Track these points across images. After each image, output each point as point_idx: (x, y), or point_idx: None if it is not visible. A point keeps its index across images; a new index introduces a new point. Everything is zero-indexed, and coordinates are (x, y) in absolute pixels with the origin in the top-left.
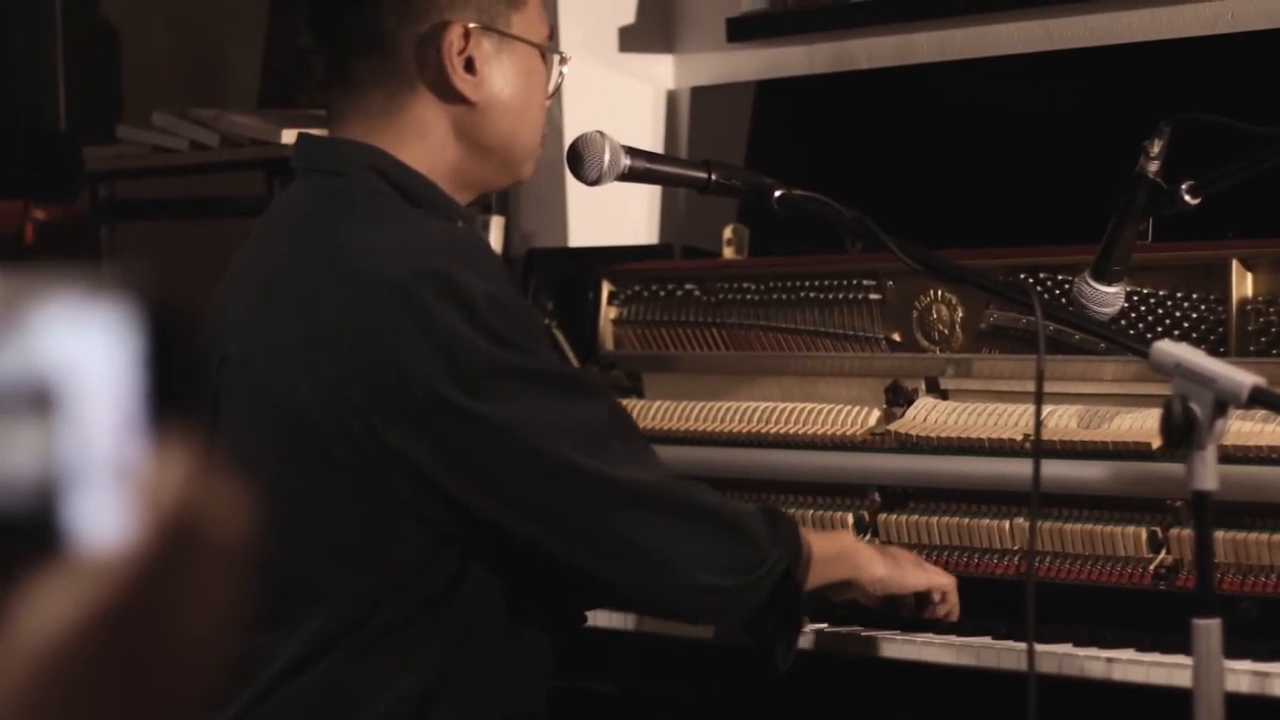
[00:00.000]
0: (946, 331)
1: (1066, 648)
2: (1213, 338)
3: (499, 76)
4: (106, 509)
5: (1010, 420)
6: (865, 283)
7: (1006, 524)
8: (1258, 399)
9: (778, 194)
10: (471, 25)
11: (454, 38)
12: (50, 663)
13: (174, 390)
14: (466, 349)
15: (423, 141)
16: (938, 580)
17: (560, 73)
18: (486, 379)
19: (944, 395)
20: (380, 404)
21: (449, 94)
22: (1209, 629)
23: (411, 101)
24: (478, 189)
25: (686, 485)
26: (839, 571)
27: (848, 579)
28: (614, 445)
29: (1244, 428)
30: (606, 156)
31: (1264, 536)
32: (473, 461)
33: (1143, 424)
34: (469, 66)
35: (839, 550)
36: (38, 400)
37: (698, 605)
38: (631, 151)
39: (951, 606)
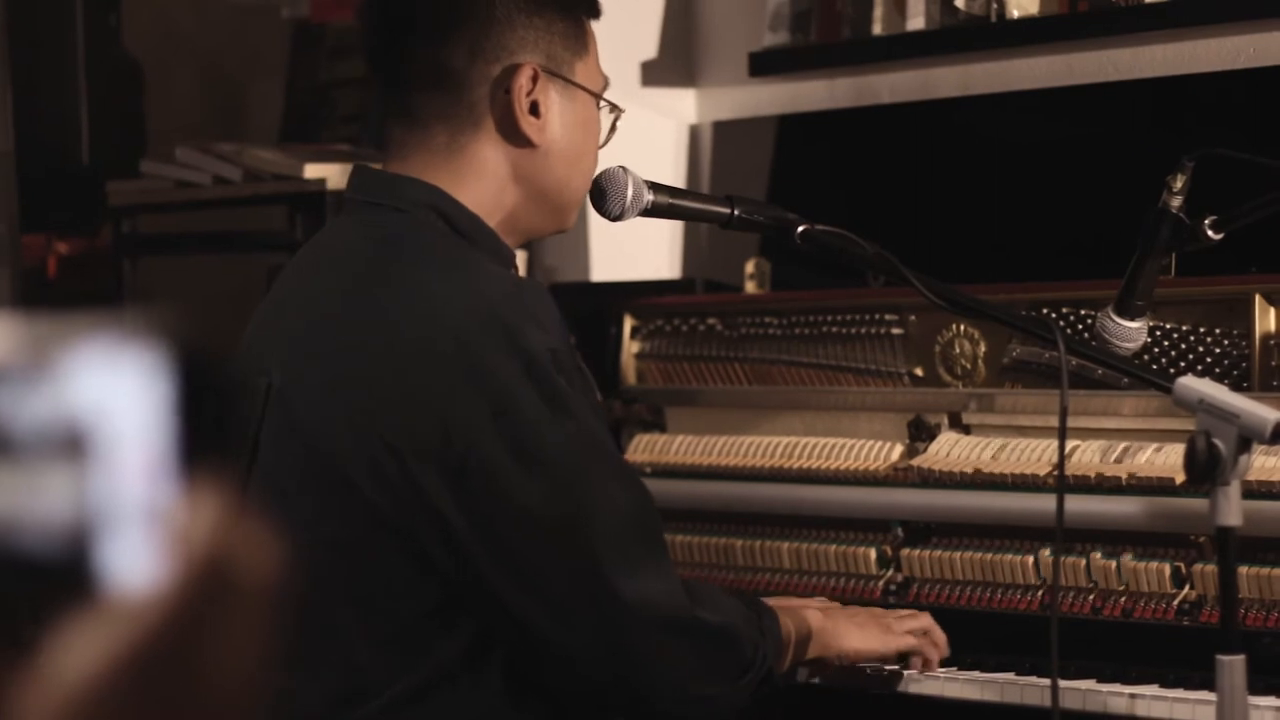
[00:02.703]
0: (969, 366)
1: (1090, 684)
2: (1236, 373)
3: (560, 122)
4: (138, 552)
5: (1033, 455)
6: (888, 317)
7: (1030, 559)
8: None
9: (800, 229)
10: (540, 69)
11: (524, 79)
12: (83, 705)
13: (205, 432)
14: (518, 407)
15: (481, 182)
16: (903, 643)
17: (613, 123)
18: (530, 444)
19: (967, 430)
20: (417, 447)
21: (514, 135)
22: (1233, 665)
23: (475, 141)
24: (525, 235)
25: (686, 597)
26: (813, 651)
27: (819, 656)
28: (633, 546)
29: (1267, 463)
30: (629, 192)
31: None
32: (494, 529)
33: (1166, 459)
34: (534, 109)
35: (811, 630)
36: (70, 444)
37: (687, 712)
38: (654, 187)
39: (931, 657)
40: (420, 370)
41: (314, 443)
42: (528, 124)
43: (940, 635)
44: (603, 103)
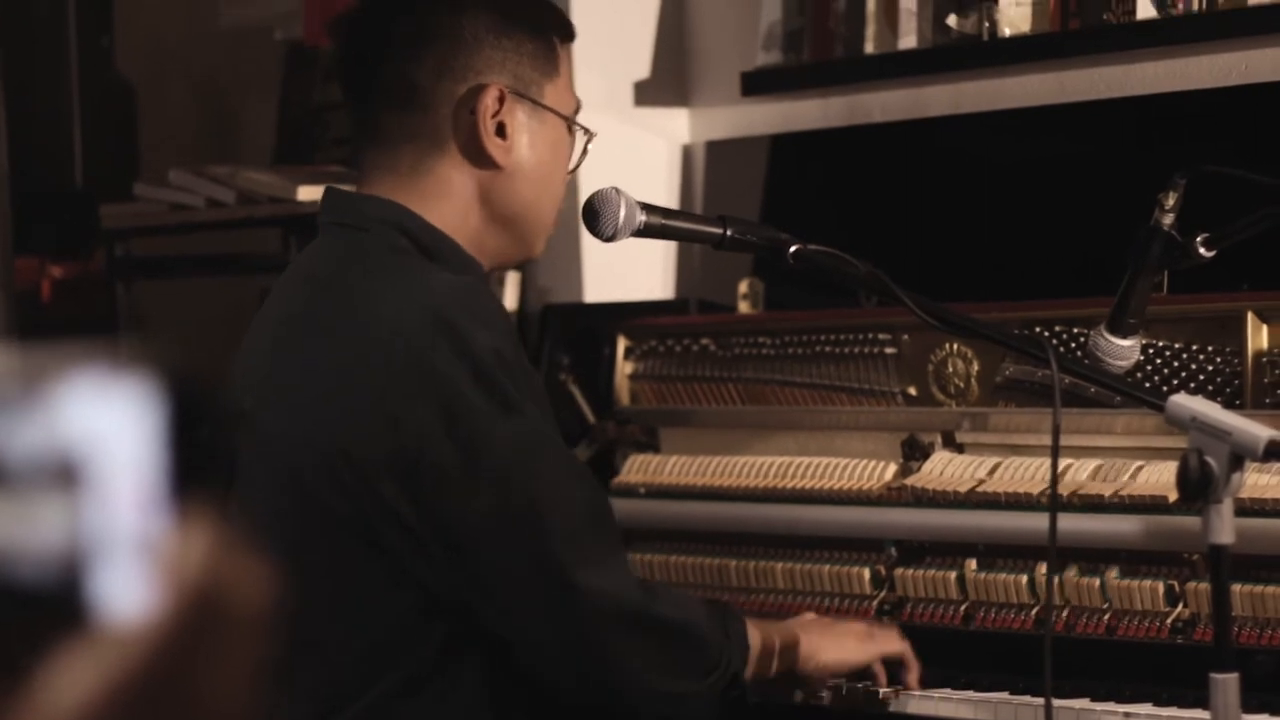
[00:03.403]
0: (962, 385)
1: (1084, 703)
2: (1228, 390)
3: (527, 144)
4: (131, 581)
5: (1026, 474)
6: (881, 337)
7: (1023, 578)
8: (1274, 452)
9: (793, 249)
10: (507, 90)
11: (490, 100)
12: None
13: (197, 461)
14: (466, 408)
15: (446, 203)
16: (885, 650)
17: (585, 148)
18: (481, 444)
19: (960, 449)
20: (371, 454)
21: (478, 156)
22: (1227, 683)
23: (439, 161)
24: (493, 259)
25: (646, 591)
26: (786, 663)
27: (794, 669)
28: (589, 541)
29: (1260, 480)
30: (622, 212)
31: None
32: (450, 531)
33: (1159, 477)
34: (500, 131)
35: (784, 643)
36: (62, 473)
37: (653, 711)
38: (647, 207)
39: (912, 672)
40: (369, 378)
41: (280, 462)
42: (493, 145)
43: (912, 660)
44: (574, 126)
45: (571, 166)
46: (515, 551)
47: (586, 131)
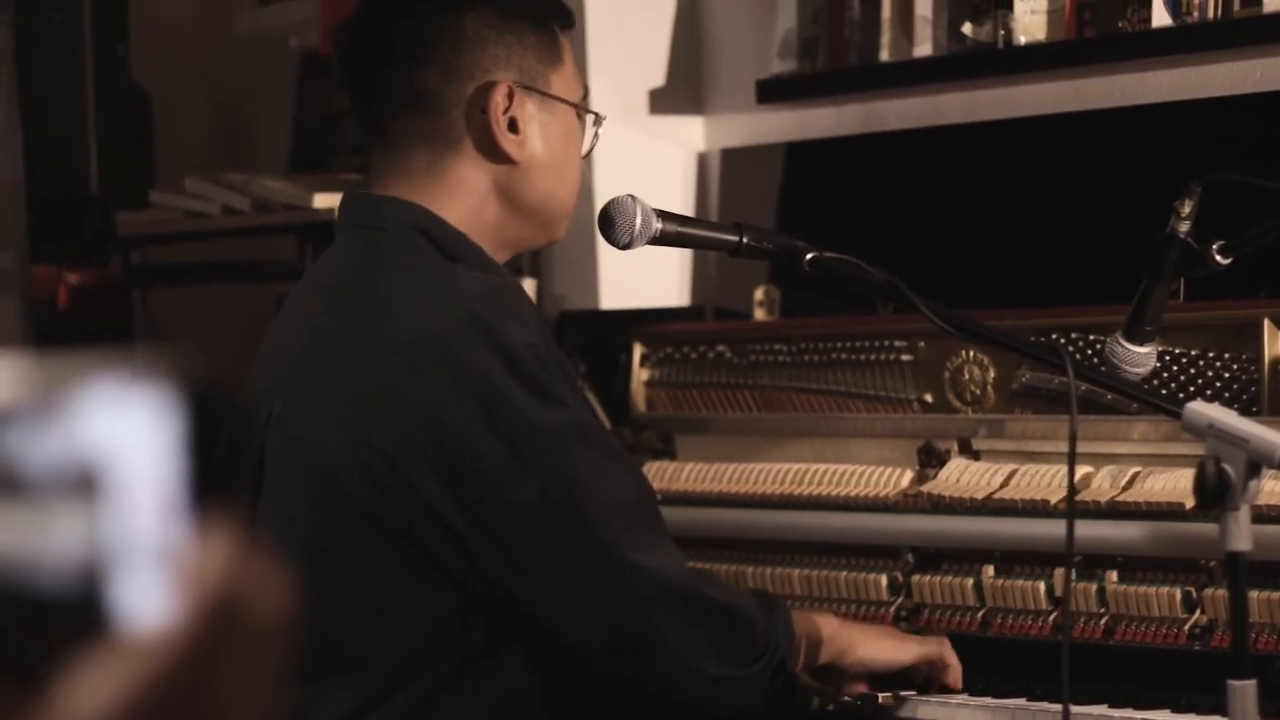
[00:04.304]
0: (979, 392)
1: (1102, 709)
2: (1245, 397)
3: (540, 136)
4: (150, 590)
5: (1043, 481)
6: (897, 344)
7: (1041, 585)
8: None
9: (809, 256)
10: (515, 85)
11: (499, 97)
12: None
13: (216, 469)
14: (505, 401)
15: (464, 201)
16: (925, 650)
17: (595, 133)
18: (523, 435)
19: (976, 456)
20: (409, 452)
21: (493, 153)
22: (1244, 690)
23: (454, 161)
24: (515, 248)
25: (695, 575)
26: (825, 656)
27: (832, 663)
28: (638, 525)
29: (1277, 488)
30: (638, 220)
31: None
32: (496, 526)
33: (1176, 484)
34: (512, 126)
35: (825, 636)
36: (81, 483)
37: (702, 696)
38: (663, 215)
39: (951, 671)
40: (405, 376)
41: (312, 463)
42: (507, 141)
43: (954, 659)
44: (584, 112)
45: (584, 151)
46: (565, 537)
47: (596, 117)
